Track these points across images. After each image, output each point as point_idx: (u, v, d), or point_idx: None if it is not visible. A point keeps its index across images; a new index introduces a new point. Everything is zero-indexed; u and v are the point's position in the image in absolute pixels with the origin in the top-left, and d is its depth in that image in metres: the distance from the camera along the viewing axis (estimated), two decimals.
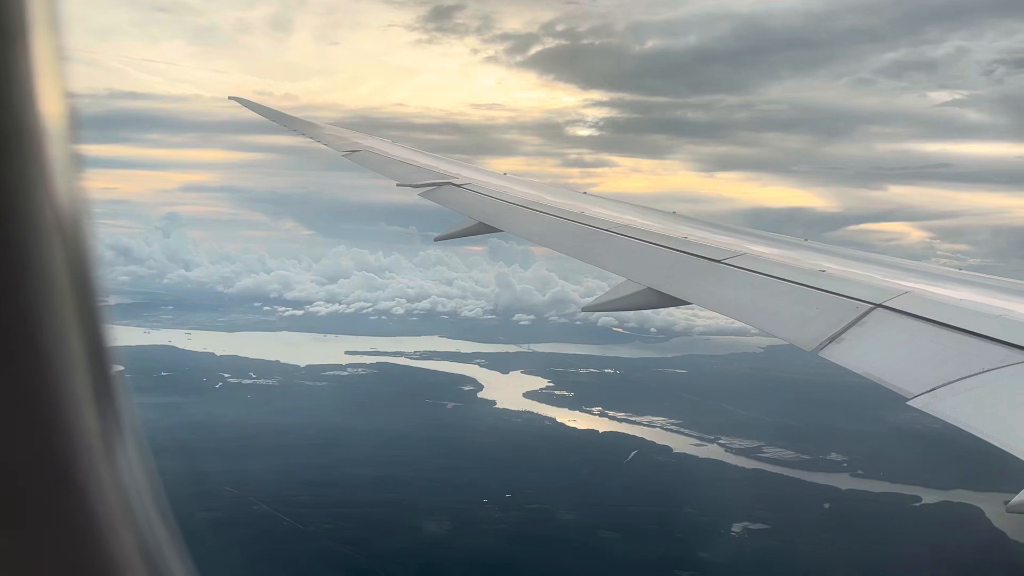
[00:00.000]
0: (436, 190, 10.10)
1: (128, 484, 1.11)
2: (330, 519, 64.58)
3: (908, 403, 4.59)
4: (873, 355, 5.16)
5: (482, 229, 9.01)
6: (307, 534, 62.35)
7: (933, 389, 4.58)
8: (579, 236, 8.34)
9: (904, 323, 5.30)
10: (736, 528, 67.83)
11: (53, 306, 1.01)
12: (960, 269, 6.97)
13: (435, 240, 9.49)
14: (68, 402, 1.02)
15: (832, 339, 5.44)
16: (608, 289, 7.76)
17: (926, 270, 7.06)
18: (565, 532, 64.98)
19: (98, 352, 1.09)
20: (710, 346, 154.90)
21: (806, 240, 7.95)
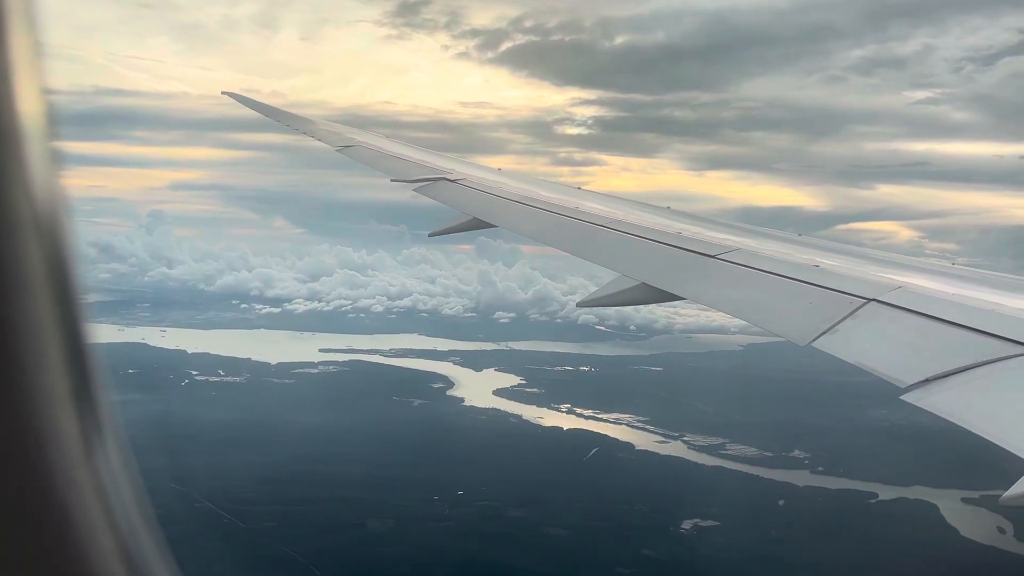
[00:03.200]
0: (430, 186, 10.04)
1: (109, 486, 1.10)
2: (273, 517, 63.76)
3: (901, 397, 4.55)
4: (866, 347, 5.14)
5: (476, 225, 8.94)
6: (246, 531, 61.47)
7: (926, 382, 4.55)
8: (573, 231, 8.32)
9: (898, 317, 5.29)
10: (686, 525, 67.88)
11: (30, 305, 1.00)
12: (953, 264, 7.13)
13: (429, 236, 9.46)
14: (46, 403, 1.01)
15: (825, 333, 5.41)
16: (596, 288, 7.80)
17: (920, 265, 7.13)
18: (511, 529, 64.83)
19: (77, 352, 1.08)
20: (690, 344, 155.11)
21: (800, 235, 8.07)
